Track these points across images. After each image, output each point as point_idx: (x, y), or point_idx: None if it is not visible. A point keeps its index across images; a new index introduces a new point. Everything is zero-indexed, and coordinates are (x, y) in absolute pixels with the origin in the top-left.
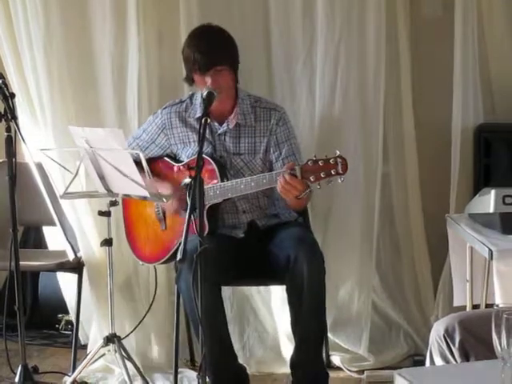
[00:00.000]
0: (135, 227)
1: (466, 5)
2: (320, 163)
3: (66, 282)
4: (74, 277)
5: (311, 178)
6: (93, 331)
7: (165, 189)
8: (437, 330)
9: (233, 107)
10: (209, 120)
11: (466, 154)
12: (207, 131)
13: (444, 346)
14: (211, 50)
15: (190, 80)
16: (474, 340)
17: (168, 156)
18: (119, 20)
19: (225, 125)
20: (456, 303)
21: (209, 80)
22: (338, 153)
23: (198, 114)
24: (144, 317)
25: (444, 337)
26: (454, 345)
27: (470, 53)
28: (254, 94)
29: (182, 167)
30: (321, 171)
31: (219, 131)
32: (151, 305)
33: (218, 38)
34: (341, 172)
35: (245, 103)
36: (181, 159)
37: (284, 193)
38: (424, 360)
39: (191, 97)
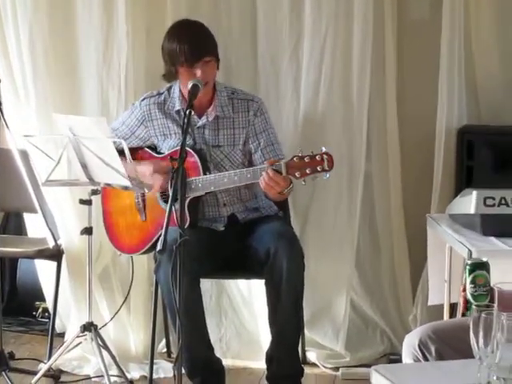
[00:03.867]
0: (114, 217)
1: (454, 8)
2: (306, 159)
3: (45, 270)
4: (52, 264)
5: (296, 174)
6: (70, 320)
7: (147, 167)
8: (410, 342)
9: (211, 100)
10: (193, 112)
11: (449, 155)
12: None
13: (420, 357)
14: (199, 41)
15: (171, 75)
16: (449, 349)
17: (149, 147)
18: (107, 9)
19: (204, 117)
20: (431, 302)
21: (198, 72)
22: (324, 149)
23: (177, 107)
24: (121, 306)
25: (419, 347)
26: (430, 354)
27: (455, 55)
28: (231, 86)
29: (163, 158)
30: (306, 167)
31: (198, 124)
32: (127, 294)
33: (201, 29)
34: (327, 169)
35: (222, 95)
36: (161, 151)
37: (267, 189)
38: (400, 359)
39: (169, 89)
